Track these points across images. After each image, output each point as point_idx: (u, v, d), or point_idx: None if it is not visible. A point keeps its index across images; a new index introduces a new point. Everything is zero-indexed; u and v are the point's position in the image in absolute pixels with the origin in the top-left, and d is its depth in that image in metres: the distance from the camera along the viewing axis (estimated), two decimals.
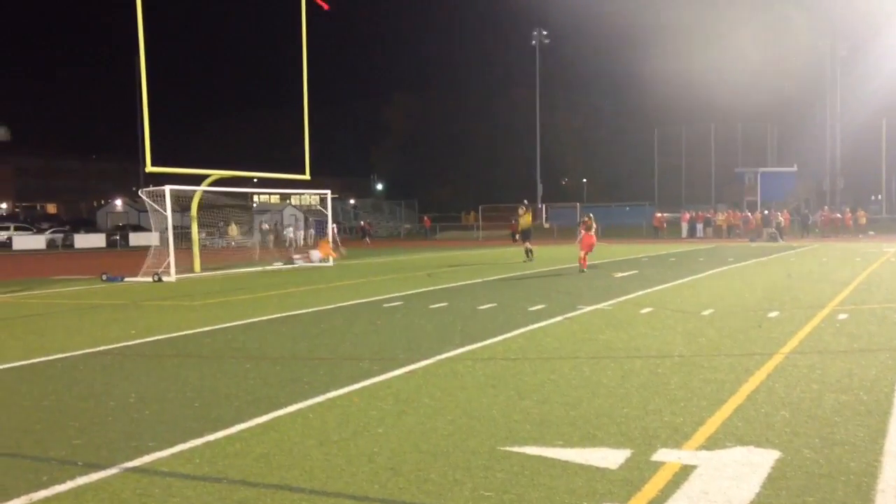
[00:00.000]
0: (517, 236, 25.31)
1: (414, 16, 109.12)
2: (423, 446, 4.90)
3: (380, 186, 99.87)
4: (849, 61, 60.40)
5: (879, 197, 56.92)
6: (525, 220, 25.43)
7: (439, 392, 6.42)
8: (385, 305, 12.82)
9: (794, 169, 55.54)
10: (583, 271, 19.15)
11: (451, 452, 4.77)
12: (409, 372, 7.21)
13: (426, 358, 7.77)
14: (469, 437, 5.07)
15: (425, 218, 63.95)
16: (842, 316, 10.26)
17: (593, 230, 20.80)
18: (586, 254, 20.02)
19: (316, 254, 25.30)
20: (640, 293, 13.83)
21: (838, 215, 46.17)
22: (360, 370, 7.27)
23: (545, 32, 65.04)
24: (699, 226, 47.44)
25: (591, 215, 21.55)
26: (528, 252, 24.60)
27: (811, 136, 64.46)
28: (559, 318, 10.63)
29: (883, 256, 23.47)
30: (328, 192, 27.50)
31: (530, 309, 11.69)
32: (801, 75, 63.43)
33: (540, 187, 68.10)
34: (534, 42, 65.67)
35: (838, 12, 58.22)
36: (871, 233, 43.08)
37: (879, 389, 6.04)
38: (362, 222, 55.26)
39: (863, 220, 45.78)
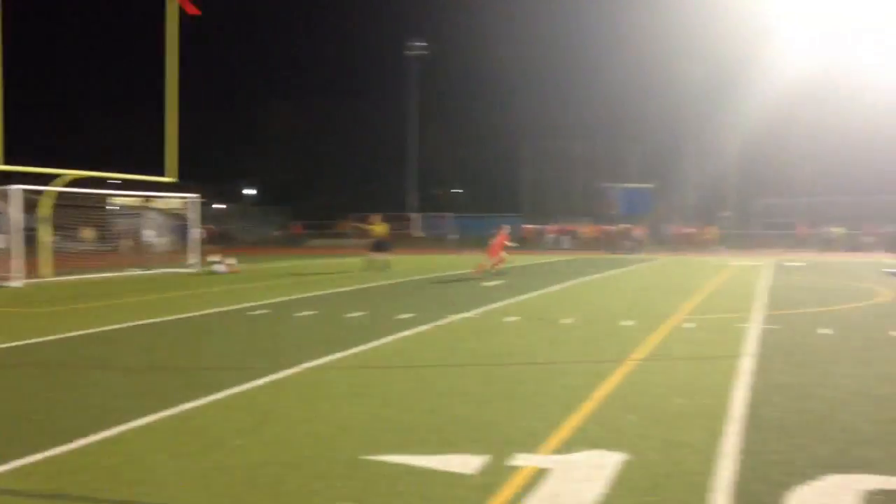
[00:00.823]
0: (383, 245, 25.40)
1: (293, 21, 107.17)
2: (282, 457, 4.81)
3: (252, 191, 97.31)
4: (708, 85, 64.36)
5: (727, 213, 60.81)
6: (378, 230, 25.51)
7: (302, 402, 6.33)
8: (249, 314, 12.51)
9: (652, 185, 58.56)
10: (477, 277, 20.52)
11: (311, 462, 4.70)
12: (272, 382, 7.05)
13: (290, 367, 7.63)
14: (330, 447, 5.02)
15: (297, 225, 62.85)
16: (688, 325, 10.88)
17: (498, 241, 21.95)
18: (493, 264, 21.39)
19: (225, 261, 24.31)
20: (507, 302, 14.16)
21: (690, 230, 48.96)
22: (218, 380, 7.04)
23: (423, 44, 65.59)
24: (564, 238, 49.14)
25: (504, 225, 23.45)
26: (378, 262, 24.69)
27: (670, 154, 68.21)
28: (427, 327, 10.71)
29: (728, 270, 25.10)
30: (197, 195, 26.56)
31: (399, 317, 11.72)
32: (663, 96, 67.00)
33: (413, 196, 68.51)
34: (410, 52, 66.11)
35: (701, 40, 61.88)
36: (719, 247, 45.94)
37: (719, 394, 6.45)
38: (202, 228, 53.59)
39: (713, 235, 48.79)
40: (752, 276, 21.66)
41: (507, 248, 22.26)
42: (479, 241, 50.38)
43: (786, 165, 64.11)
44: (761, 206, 56.09)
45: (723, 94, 64.58)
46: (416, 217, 62.91)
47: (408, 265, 27.63)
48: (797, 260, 32.04)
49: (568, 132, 72.37)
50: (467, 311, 12.62)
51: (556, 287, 17.78)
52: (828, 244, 43.50)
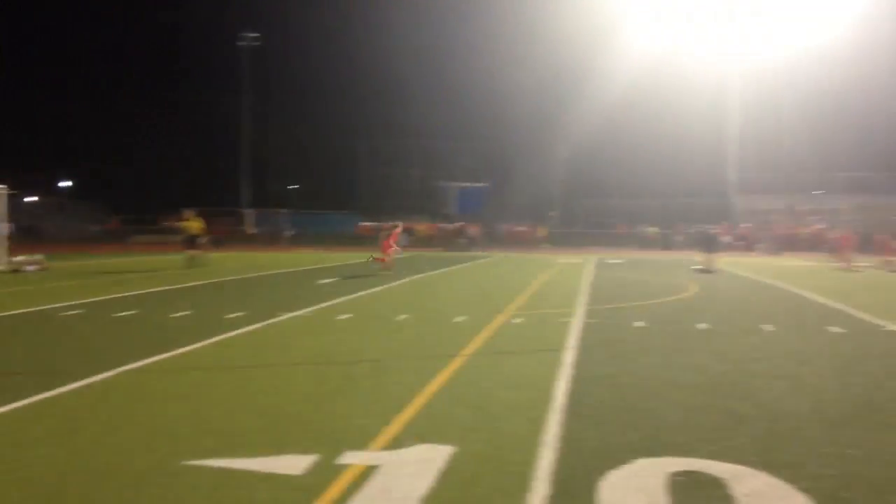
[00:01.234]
0: (197, 241, 24.63)
1: (121, 5, 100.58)
2: (93, 465, 4.52)
3: (68, 183, 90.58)
4: (531, 90, 67.03)
5: (554, 213, 63.67)
6: (192, 226, 24.72)
7: (117, 407, 5.97)
8: (61, 314, 11.66)
9: (486, 185, 60.28)
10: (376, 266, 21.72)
11: (126, 470, 4.45)
12: (85, 386, 6.61)
13: (105, 371, 7.18)
14: (148, 453, 4.77)
15: (116, 220, 59.31)
16: (517, 320, 11.29)
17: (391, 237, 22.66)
18: (384, 258, 22.11)
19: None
20: (341, 300, 14.07)
21: (521, 228, 50.91)
22: (24, 386, 6.50)
23: (255, 35, 63.71)
24: (401, 235, 49.56)
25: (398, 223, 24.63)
26: (195, 259, 23.97)
27: (502, 155, 70.56)
28: (257, 326, 10.44)
29: (555, 267, 26.30)
30: (3, 186, 24.34)
31: (227, 316, 11.34)
32: (498, 99, 69.14)
33: (247, 193, 66.52)
34: (243, 43, 64.06)
35: (523, 45, 64.38)
36: (547, 245, 48.06)
37: (543, 386, 6.73)
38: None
39: (543, 234, 50.96)
40: (577, 272, 22.81)
41: (397, 245, 23.08)
42: (315, 239, 49.91)
43: (608, 169, 68.05)
44: (586, 207, 59.20)
45: (553, 100, 67.57)
46: (249, 213, 61.10)
47: (239, 262, 26.87)
48: (617, 257, 34.10)
49: (405, 130, 73.00)
50: (299, 309, 12.42)
51: (391, 284, 17.88)
52: (644, 243, 46.69)
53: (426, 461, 4.62)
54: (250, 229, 56.39)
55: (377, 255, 22.47)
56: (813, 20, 49.95)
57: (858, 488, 4.22)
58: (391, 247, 22.38)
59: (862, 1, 49.64)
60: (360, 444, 4.97)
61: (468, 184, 59.70)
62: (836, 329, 10.47)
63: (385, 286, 17.25)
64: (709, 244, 25.63)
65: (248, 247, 44.50)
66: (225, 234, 46.79)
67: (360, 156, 76.43)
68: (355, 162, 76.92)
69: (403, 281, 19.06)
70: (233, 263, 26.46)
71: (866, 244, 41.65)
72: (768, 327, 10.63)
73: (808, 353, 8.54)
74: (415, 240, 49.01)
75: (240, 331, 9.96)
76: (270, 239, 49.55)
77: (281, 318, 11.34)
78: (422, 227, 50.99)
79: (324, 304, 13.21)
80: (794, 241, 45.64)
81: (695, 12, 51.67)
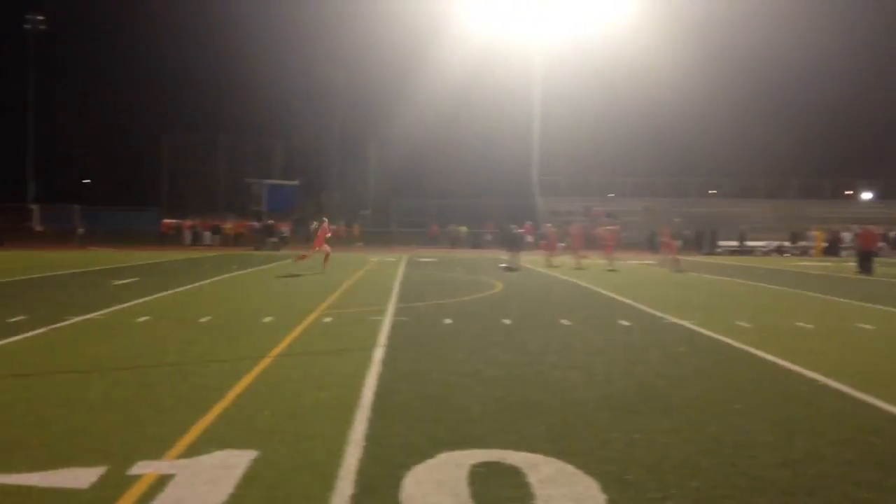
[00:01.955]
0: None
1: None
2: None
3: None
4: (347, 88, 66.88)
5: (367, 212, 63.87)
6: None
7: None
8: None
9: (297, 182, 59.30)
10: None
11: None
12: None
13: None
14: None
15: None
16: (327, 319, 11.20)
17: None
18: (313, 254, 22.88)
19: None
20: (139, 301, 13.29)
21: (335, 227, 50.62)
22: None
23: (40, 17, 58.59)
24: (208, 233, 47.61)
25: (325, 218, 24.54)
26: None
27: (315, 153, 69.67)
28: (41, 330, 9.62)
29: (367, 265, 26.38)
30: None
31: (6, 321, 10.36)
32: (306, 96, 68.20)
33: (32, 187, 61.10)
34: (28, 26, 58.73)
35: (340, 44, 64.11)
36: (360, 244, 48.12)
37: (351, 385, 6.72)
38: None
39: (357, 233, 50.93)
40: (389, 271, 23.02)
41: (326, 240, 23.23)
42: (113, 237, 46.76)
43: (421, 169, 69.22)
44: (398, 206, 59.91)
45: (366, 99, 67.68)
46: (36, 209, 56.16)
47: (23, 262, 24.66)
48: (428, 256, 34.79)
49: (212, 124, 70.23)
50: (92, 311, 11.59)
51: (196, 284, 17.14)
52: (454, 241, 47.98)
53: (225, 467, 4.46)
54: (37, 226, 51.85)
55: (302, 252, 23.39)
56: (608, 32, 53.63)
57: (639, 470, 4.56)
58: (321, 245, 22.82)
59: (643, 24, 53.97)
60: (155, 453, 4.72)
61: (279, 181, 58.49)
62: (624, 322, 11.30)
63: (189, 286, 16.49)
64: (514, 243, 26.83)
65: (34, 245, 40.92)
66: (7, 231, 42.75)
67: (164, 150, 72.50)
68: (158, 156, 72.87)
69: (209, 281, 18.33)
70: (15, 263, 24.22)
71: (652, 244, 45.44)
72: (566, 321, 11.27)
73: (599, 345, 9.14)
74: (222, 238, 47.31)
75: (19, 336, 9.13)
76: (60, 237, 45.80)
77: (69, 321, 10.53)
78: (229, 225, 49.26)
79: (119, 306, 12.41)
80: (591, 240, 48.81)
81: (502, 18, 53.90)
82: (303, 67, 68.84)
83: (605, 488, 4.24)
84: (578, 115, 62.54)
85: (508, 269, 24.53)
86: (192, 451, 4.79)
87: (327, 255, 23.27)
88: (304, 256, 23.38)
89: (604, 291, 16.54)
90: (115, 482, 4.21)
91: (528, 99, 58.01)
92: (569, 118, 61.67)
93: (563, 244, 44.92)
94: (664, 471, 4.54)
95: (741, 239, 45.43)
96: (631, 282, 19.84)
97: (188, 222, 49.35)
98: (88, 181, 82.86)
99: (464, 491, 4.16)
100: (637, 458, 4.76)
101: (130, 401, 6.08)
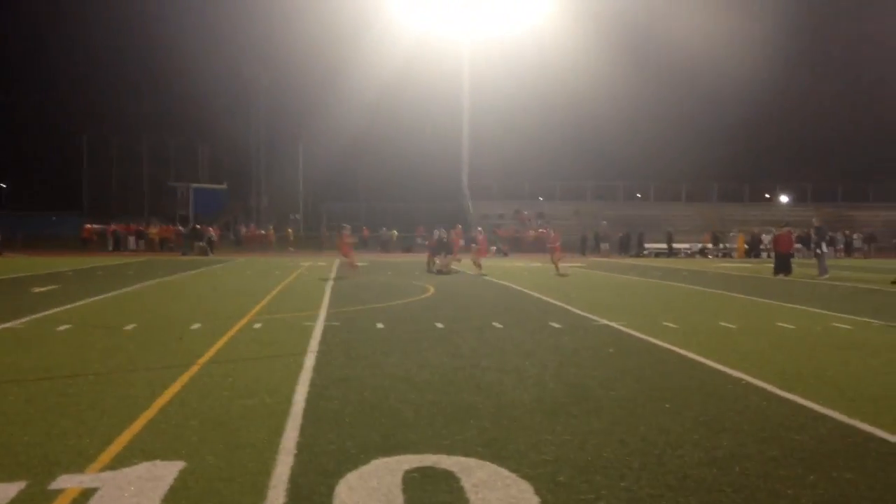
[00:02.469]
0: None
1: None
2: None
3: None
4: (271, 89, 65.97)
5: (298, 216, 63.10)
6: None
7: None
8: None
9: (225, 186, 58.26)
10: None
11: None
12: None
13: None
14: None
15: None
16: (257, 325, 11.01)
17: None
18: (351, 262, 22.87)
19: None
20: (59, 309, 12.82)
21: (262, 231, 49.82)
22: None
23: None
24: (132, 238, 46.30)
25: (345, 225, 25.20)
26: None
27: (242, 155, 68.50)
28: None
29: (298, 270, 26.07)
30: None
31: None
32: (230, 97, 67.07)
33: None
34: None
35: (264, 43, 63.27)
36: (292, 249, 47.53)
37: (282, 392, 6.61)
38: None
39: (290, 237, 50.25)
40: (320, 275, 22.79)
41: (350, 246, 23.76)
42: (31, 243, 45.02)
43: (352, 172, 68.83)
44: (329, 210, 59.39)
45: (296, 100, 66.90)
46: None
47: None
48: (360, 260, 34.59)
49: (134, 126, 68.30)
50: (9, 321, 11.13)
51: (120, 291, 16.63)
52: (386, 245, 47.83)
53: (152, 479, 4.33)
54: None
55: (349, 260, 23.22)
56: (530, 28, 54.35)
57: (571, 471, 4.61)
58: (350, 253, 23.41)
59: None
60: (77, 466, 4.55)
61: (206, 185, 57.33)
62: (555, 324, 11.44)
63: (113, 293, 15.99)
64: (445, 247, 26.85)
65: None
66: None
67: (83, 151, 70.03)
68: (79, 158, 70.38)
69: (133, 287, 17.81)
70: None
71: (582, 246, 46.21)
72: (498, 324, 11.35)
73: (531, 347, 9.23)
74: (147, 243, 46.09)
75: None
76: None
77: None
78: (154, 229, 48.00)
79: (39, 315, 11.95)
80: (521, 243, 49.35)
81: (430, 18, 54.08)
82: (226, 66, 67.74)
83: (539, 490, 4.27)
84: (508, 119, 63.36)
85: (440, 273, 24.58)
86: (117, 463, 4.63)
87: (351, 263, 23.09)
88: (353, 265, 23.09)
89: (535, 294, 16.73)
90: (35, 497, 4.04)
91: (457, 101, 58.39)
92: (498, 122, 62.43)
93: (494, 248, 45.39)
94: (596, 472, 4.61)
95: (669, 241, 46.55)
96: (561, 284, 20.12)
97: (111, 227, 47.89)
98: (4, 185, 79.51)
99: (398, 497, 4.13)
100: (569, 460, 4.82)
101: (51, 412, 5.85)
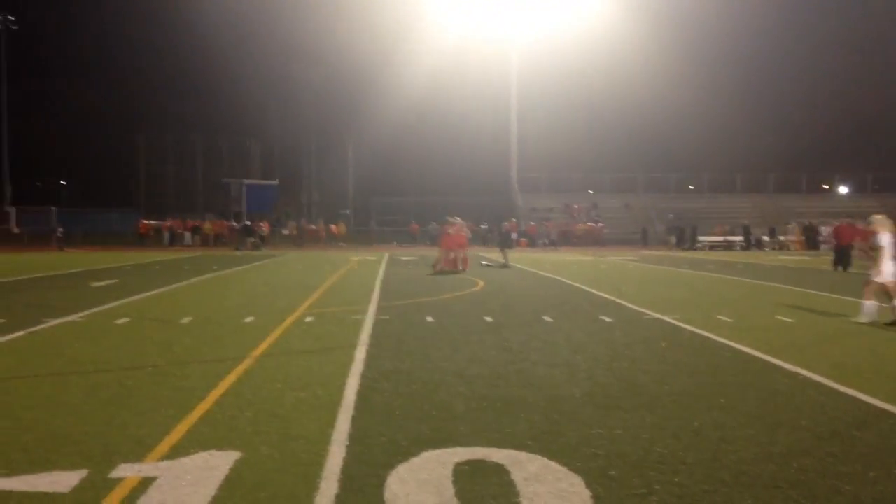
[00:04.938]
0: None
1: None
2: None
3: None
4: (321, 86, 66.70)
5: (347, 211, 63.64)
6: None
7: None
8: None
9: (276, 182, 59.04)
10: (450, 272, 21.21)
11: None
12: None
13: None
14: None
15: None
16: (309, 319, 11.15)
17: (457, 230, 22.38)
18: (454, 255, 22.07)
19: None
20: (118, 303, 13.16)
21: (313, 226, 50.36)
22: None
23: (11, 18, 57.71)
24: (187, 234, 47.26)
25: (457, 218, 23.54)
26: None
27: (292, 152, 69.38)
28: (19, 334, 9.51)
29: (348, 264, 26.31)
30: None
31: None
32: (281, 95, 67.93)
33: (8, 189, 60.33)
34: None
35: (314, 42, 63.90)
36: (342, 244, 47.97)
37: (333, 384, 6.69)
38: None
39: (341, 231, 50.70)
40: (370, 270, 22.97)
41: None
42: (90, 238, 46.36)
43: (400, 167, 69.03)
44: (379, 205, 59.75)
45: (345, 97, 67.43)
46: (12, 211, 55.45)
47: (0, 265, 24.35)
48: (409, 254, 34.76)
49: (188, 124, 69.70)
50: (70, 314, 11.47)
51: (176, 286, 17.00)
52: (435, 239, 47.90)
53: (208, 469, 4.43)
54: (14, 228, 51.21)
55: (454, 256, 22.21)
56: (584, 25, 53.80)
57: (623, 466, 4.57)
58: (458, 243, 22.31)
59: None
60: (136, 456, 4.67)
61: (258, 181, 58.19)
62: (606, 318, 11.34)
63: (169, 287, 16.36)
64: (503, 240, 26.83)
65: (11, 248, 40.45)
66: None
67: (139, 150, 71.78)
68: (134, 156, 72.19)
69: (189, 282, 18.19)
70: None
71: (645, 239, 45.59)
72: (548, 318, 11.30)
73: (582, 341, 9.17)
74: (201, 239, 46.98)
75: None
76: (38, 239, 45.29)
77: (48, 324, 10.41)
78: (209, 225, 48.93)
79: (99, 308, 12.29)
80: (571, 236, 49.01)
81: (478, 15, 53.96)
82: (278, 67, 68.56)
83: (590, 484, 4.25)
84: (557, 110, 62.90)
85: (492, 265, 24.55)
86: (174, 453, 4.75)
87: (455, 259, 22.15)
88: (459, 263, 22.16)
89: (585, 288, 16.60)
90: (97, 485, 4.16)
91: (505, 95, 58.06)
92: (547, 114, 61.98)
93: (545, 241, 45.20)
94: (648, 466, 4.56)
95: (746, 234, 45.27)
96: (613, 278, 19.93)
97: (167, 223, 48.98)
98: (65, 182, 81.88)
99: (448, 489, 4.15)
100: (621, 454, 4.77)
101: (111, 403, 6.01)
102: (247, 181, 55.84)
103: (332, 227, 50.59)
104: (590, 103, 64.93)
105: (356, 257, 31.94)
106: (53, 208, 53.08)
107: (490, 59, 57.94)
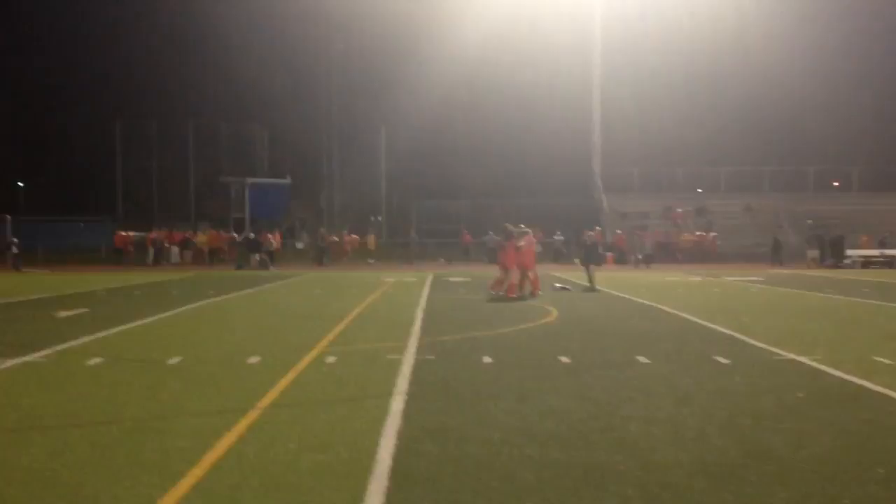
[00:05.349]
0: None
1: None
2: None
3: None
4: (346, 58, 67.34)
5: (380, 218, 64.01)
6: None
7: None
8: None
9: (289, 181, 59.61)
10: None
11: None
12: None
13: None
14: None
15: None
16: (330, 359, 11.23)
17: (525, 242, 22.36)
18: (521, 279, 22.10)
19: None
20: (89, 338, 13.44)
21: (335, 238, 50.74)
22: None
23: None
24: (176, 248, 48.12)
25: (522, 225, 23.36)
26: None
27: (309, 143, 70.05)
28: None
29: (381, 287, 26.44)
30: None
31: None
32: (295, 69, 68.76)
33: None
34: None
35: (342, 14, 64.61)
36: (372, 260, 48.33)
37: (362, 445, 6.71)
38: None
39: (371, 245, 51.06)
40: (409, 294, 23.05)
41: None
42: (54, 255, 47.39)
43: (448, 163, 69.10)
44: (419, 210, 59.82)
45: (373, 77, 67.90)
46: None
47: None
48: (461, 274, 34.81)
49: (177, 108, 70.87)
50: (29, 353, 11.74)
51: (161, 315, 17.28)
52: (494, 255, 47.86)
53: None
54: None
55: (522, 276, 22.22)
56: None
57: None
58: (530, 262, 22.38)
59: None
60: None
61: (265, 180, 58.85)
62: (722, 359, 11.17)
63: (153, 318, 16.64)
64: (589, 256, 26.22)
65: None
66: None
67: (115, 141, 73.08)
68: (109, 149, 73.58)
69: (178, 311, 18.48)
70: None
71: (777, 253, 44.81)
72: (643, 358, 11.18)
73: (690, 390, 9.04)
74: (194, 254, 47.76)
75: None
76: None
77: (1, 366, 10.67)
78: (203, 237, 49.73)
79: (65, 345, 12.56)
80: (673, 250, 48.55)
81: None
82: (291, 31, 69.29)
83: None
84: (653, 86, 62.27)
85: (564, 289, 24.44)
86: None
87: (521, 281, 22.31)
88: (534, 283, 22.40)
89: (693, 318, 16.41)
90: None
91: (586, 66, 57.84)
92: (641, 91, 61.42)
93: (639, 255, 44.85)
94: None
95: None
96: (731, 305, 19.66)
97: (151, 234, 49.87)
98: (22, 185, 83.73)
99: None
100: None
101: (80, 468, 6.12)
102: (251, 180, 56.53)
103: (356, 237, 50.99)
104: (697, 75, 64.20)
105: (391, 278, 32.10)
106: (8, 217, 54.48)
107: (566, 19, 57.85)
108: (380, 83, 68.81)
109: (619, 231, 49.05)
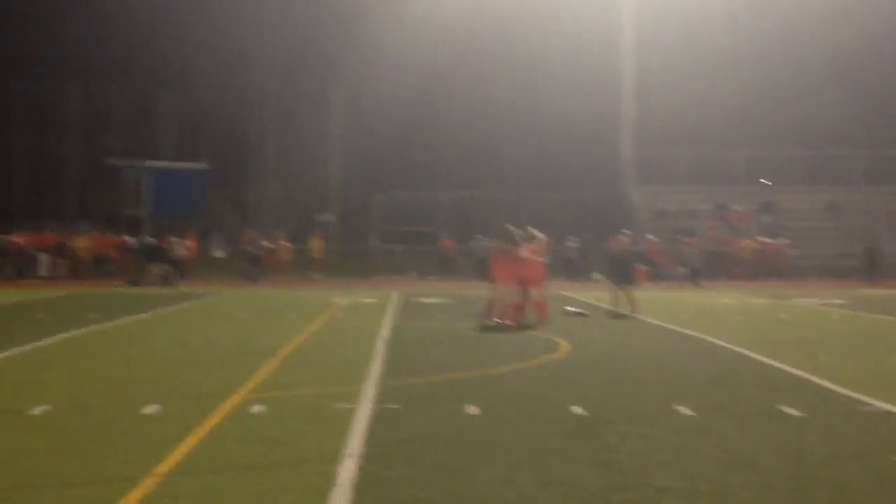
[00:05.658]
0: None
1: None
2: None
3: None
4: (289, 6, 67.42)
5: (330, 216, 63.86)
6: None
7: None
8: None
9: (205, 166, 59.24)
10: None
11: None
12: None
13: None
14: None
15: None
16: (257, 408, 11.18)
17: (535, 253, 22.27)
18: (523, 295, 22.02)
19: None
20: None
21: (268, 244, 50.47)
22: None
23: None
24: (45, 257, 47.82)
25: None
26: None
27: (234, 114, 69.89)
28: None
29: (329, 311, 26.39)
30: None
31: None
32: (213, 12, 68.61)
33: None
34: None
35: None
36: (316, 274, 48.15)
37: None
38: None
39: (318, 253, 50.68)
40: (367, 320, 23.01)
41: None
42: None
43: (421, 144, 69.07)
44: (383, 206, 59.51)
45: (324, 28, 67.94)
46: None
47: None
48: (437, 293, 34.80)
49: (52, 64, 70.42)
50: None
51: (25, 348, 17.19)
52: (483, 265, 47.84)
53: None
54: None
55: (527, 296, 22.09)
56: None
57: None
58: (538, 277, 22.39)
59: None
60: None
61: (171, 164, 58.53)
62: (791, 410, 11.22)
63: (10, 352, 16.53)
64: (622, 270, 26.23)
65: None
66: None
67: None
68: None
69: (48, 341, 18.37)
70: None
71: (871, 267, 44.89)
72: (684, 409, 11.22)
73: (746, 451, 9.07)
74: (71, 266, 47.49)
75: None
76: None
77: None
78: (84, 241, 49.42)
79: None
80: (728, 261, 48.65)
81: None
82: None
83: None
84: (699, 48, 62.39)
85: (579, 314, 24.48)
86: None
87: (521, 303, 22.24)
88: (541, 307, 22.31)
89: (754, 355, 16.46)
90: None
91: (613, 21, 57.94)
92: (683, 54, 61.59)
93: (682, 269, 44.86)
94: None
95: None
96: (805, 337, 19.72)
97: (13, 238, 49.51)
98: None
99: None
100: None
101: None
102: (152, 163, 56.21)
103: (289, 245, 50.80)
104: (763, 27, 64.52)
105: (343, 299, 32.06)
106: None
107: None
108: (332, 35, 68.78)
109: (650, 236, 48.78)
